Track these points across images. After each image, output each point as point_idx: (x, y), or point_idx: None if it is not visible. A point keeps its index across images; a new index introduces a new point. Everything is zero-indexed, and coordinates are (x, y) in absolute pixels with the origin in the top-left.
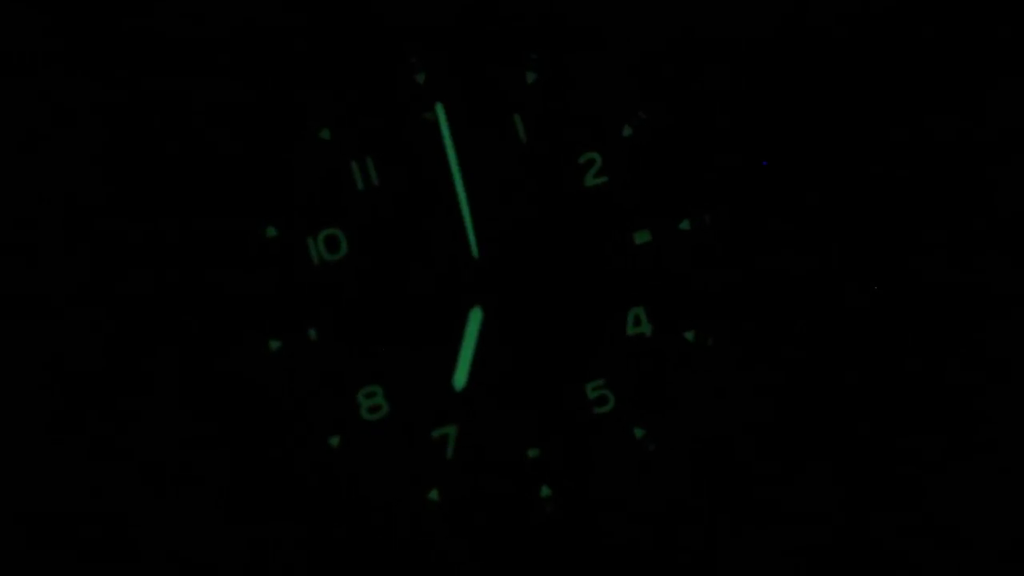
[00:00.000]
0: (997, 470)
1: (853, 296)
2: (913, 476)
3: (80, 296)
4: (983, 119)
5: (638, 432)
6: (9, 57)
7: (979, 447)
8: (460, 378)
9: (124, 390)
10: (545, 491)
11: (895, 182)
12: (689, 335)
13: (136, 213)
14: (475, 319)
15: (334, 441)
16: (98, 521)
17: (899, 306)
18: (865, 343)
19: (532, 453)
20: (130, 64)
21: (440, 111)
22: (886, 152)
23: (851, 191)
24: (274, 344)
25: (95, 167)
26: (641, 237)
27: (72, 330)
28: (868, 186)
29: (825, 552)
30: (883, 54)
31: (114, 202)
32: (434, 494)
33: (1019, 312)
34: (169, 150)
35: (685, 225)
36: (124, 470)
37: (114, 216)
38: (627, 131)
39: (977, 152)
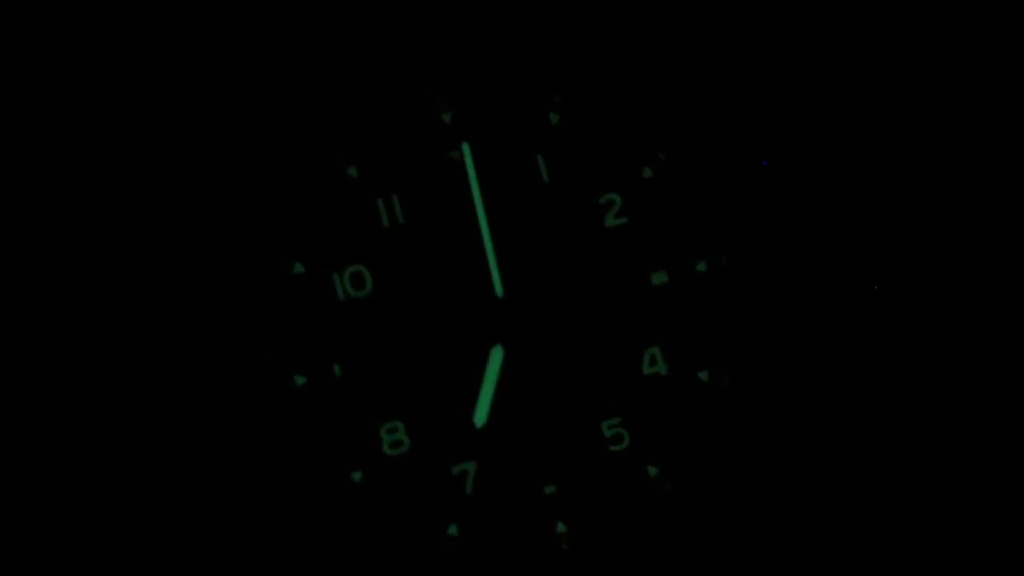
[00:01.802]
0: (1000, 480)
1: (869, 338)
2: (928, 513)
3: (105, 325)
4: (983, 119)
5: (652, 470)
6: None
7: (984, 458)
8: (480, 415)
9: (149, 423)
10: (561, 527)
11: (911, 219)
12: (703, 375)
13: (163, 248)
14: (496, 357)
15: (356, 475)
16: (120, 556)
17: (914, 346)
18: (882, 387)
19: (549, 490)
20: (164, 103)
21: (466, 150)
22: (904, 187)
23: (866, 232)
24: (299, 379)
25: (124, 199)
26: (658, 278)
27: (96, 356)
28: (885, 226)
29: None
30: (889, 76)
31: (142, 235)
32: (453, 529)
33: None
34: (197, 185)
35: (702, 267)
36: (148, 501)
37: (142, 250)
38: (647, 173)
39: (982, 154)
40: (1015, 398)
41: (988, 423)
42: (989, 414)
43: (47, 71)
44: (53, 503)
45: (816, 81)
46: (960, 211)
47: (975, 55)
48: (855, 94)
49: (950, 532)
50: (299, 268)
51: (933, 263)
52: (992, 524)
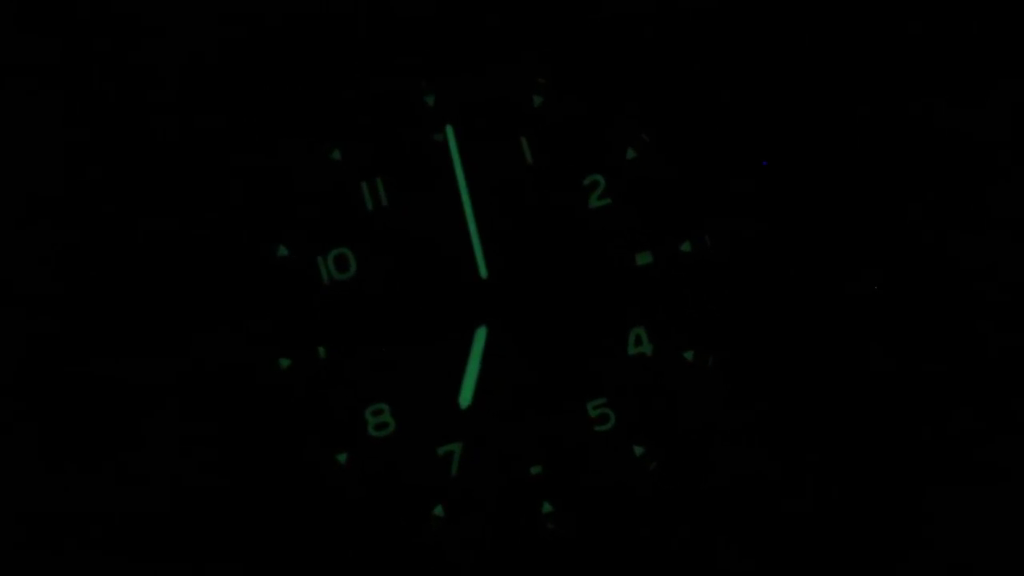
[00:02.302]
0: (1000, 477)
1: (854, 315)
2: (916, 488)
3: (89, 310)
4: (983, 119)
5: (638, 450)
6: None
7: (982, 458)
8: (466, 396)
9: (133, 407)
10: (547, 507)
11: (898, 200)
12: (688, 355)
13: (147, 232)
14: (481, 338)
15: (342, 457)
16: (102, 534)
17: (901, 325)
18: (866, 363)
19: (534, 470)
20: (141, 81)
21: (450, 133)
22: (892, 172)
23: (851, 211)
24: (284, 362)
25: (105, 185)
26: (643, 258)
27: (82, 342)
28: (869, 206)
29: (830, 567)
30: (887, 75)
31: (125, 220)
32: (439, 510)
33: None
34: (181, 169)
35: (686, 247)
36: (132, 485)
37: (125, 235)
38: (630, 154)
39: (980, 153)
40: (1012, 395)
41: (983, 420)
42: (984, 411)
43: (39, 69)
44: (39, 489)
45: (804, 61)
46: (958, 208)
47: (975, 55)
48: (843, 81)
49: (941, 526)
50: (283, 251)
51: (924, 253)
52: (991, 521)
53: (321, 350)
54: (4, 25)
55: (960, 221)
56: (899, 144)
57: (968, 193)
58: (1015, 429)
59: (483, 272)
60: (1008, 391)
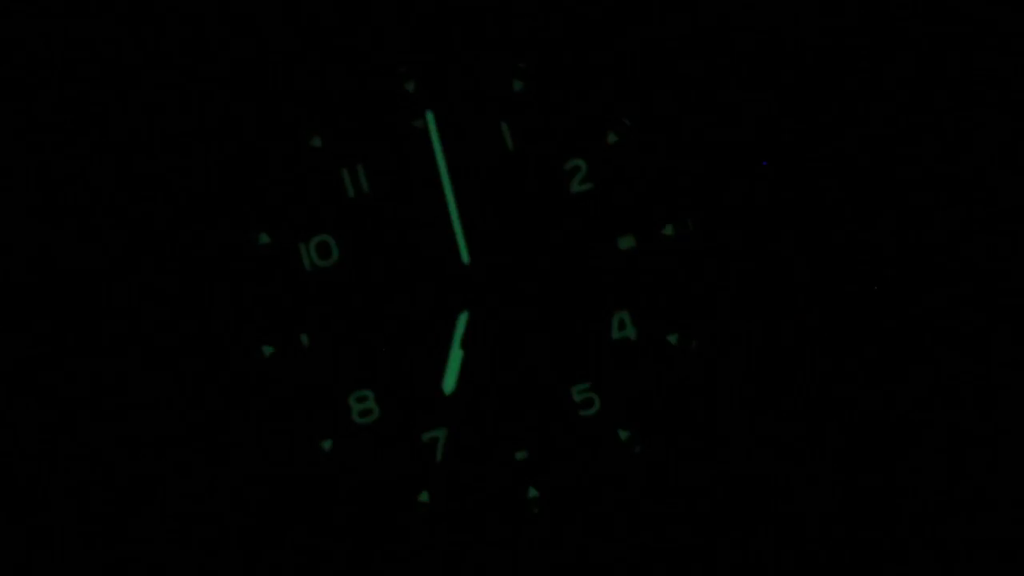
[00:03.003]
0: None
1: (839, 296)
2: (908, 472)
3: (71, 299)
4: (982, 120)
5: (623, 434)
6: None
7: (978, 448)
8: (449, 382)
9: (115, 393)
10: (532, 492)
11: (883, 181)
12: (672, 338)
13: (128, 219)
14: (464, 324)
15: (326, 444)
16: (87, 522)
17: (887, 305)
18: (852, 343)
19: (520, 455)
20: (121, 69)
21: (430, 119)
22: (873, 152)
23: (836, 193)
24: (267, 349)
25: (87, 171)
26: (625, 242)
27: (63, 331)
28: (855, 187)
29: (817, 551)
30: (872, 52)
31: (105, 208)
32: (424, 496)
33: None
34: (161, 156)
35: (669, 230)
36: (114, 472)
37: (105, 222)
38: (612, 138)
39: (976, 153)
40: (1012, 390)
41: (982, 414)
42: (982, 404)
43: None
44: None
45: (787, 46)
46: (957, 206)
47: (975, 55)
48: (827, 65)
49: (935, 517)
50: (264, 239)
51: (913, 247)
52: (992, 519)
53: (304, 337)
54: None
55: (958, 219)
56: (886, 134)
57: (967, 192)
58: (1016, 429)
59: (465, 258)
60: (1009, 391)
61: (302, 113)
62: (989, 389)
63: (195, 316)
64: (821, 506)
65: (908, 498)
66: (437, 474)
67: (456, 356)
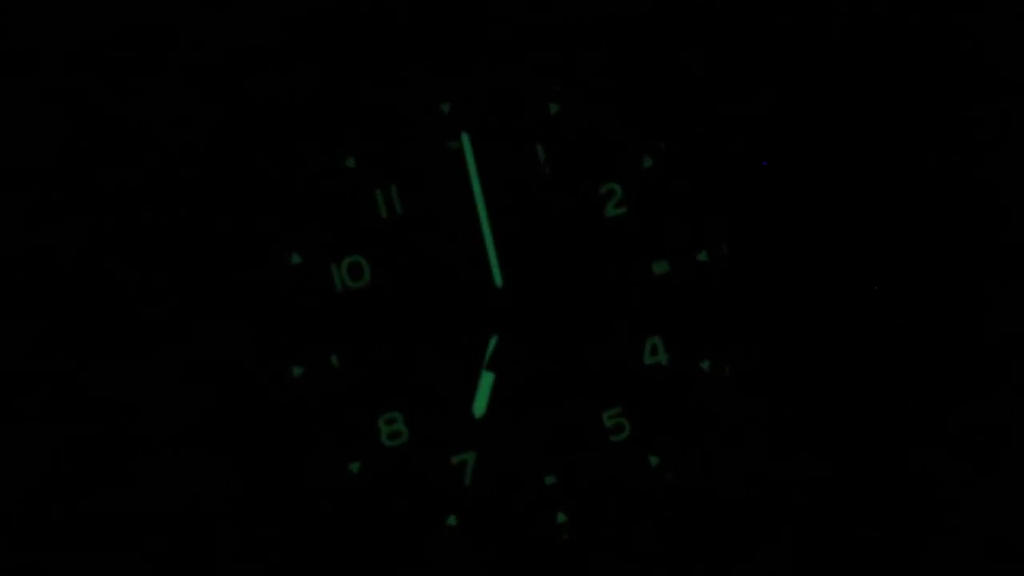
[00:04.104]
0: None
1: (871, 325)
2: (931, 499)
3: (102, 317)
4: (985, 121)
5: (653, 460)
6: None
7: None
8: (480, 405)
9: (145, 412)
10: (561, 517)
11: (916, 210)
12: (705, 364)
13: (161, 238)
14: (495, 347)
15: (354, 467)
16: (113, 545)
17: (916, 336)
18: (884, 373)
19: (549, 480)
20: (157, 86)
21: (465, 140)
22: (908, 180)
23: (869, 221)
24: (297, 370)
25: (123, 188)
26: (659, 267)
27: (93, 348)
28: (887, 216)
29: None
30: (902, 81)
31: (141, 229)
32: (452, 519)
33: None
34: (194, 177)
35: (703, 256)
36: (141, 493)
37: (138, 242)
38: (647, 162)
39: (981, 156)
40: (1015, 393)
41: (989, 419)
42: (990, 410)
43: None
44: (49, 497)
45: (822, 72)
46: (959, 209)
47: (975, 54)
48: (855, 85)
49: (953, 527)
50: (296, 259)
51: (934, 258)
52: (994, 520)
53: (334, 358)
54: (7, 23)
55: (968, 222)
56: (913, 156)
57: (972, 192)
58: (1016, 430)
59: (498, 280)
60: (1010, 391)
61: (336, 133)
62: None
63: (226, 336)
64: (852, 535)
65: (942, 533)
66: (465, 498)
67: (487, 379)
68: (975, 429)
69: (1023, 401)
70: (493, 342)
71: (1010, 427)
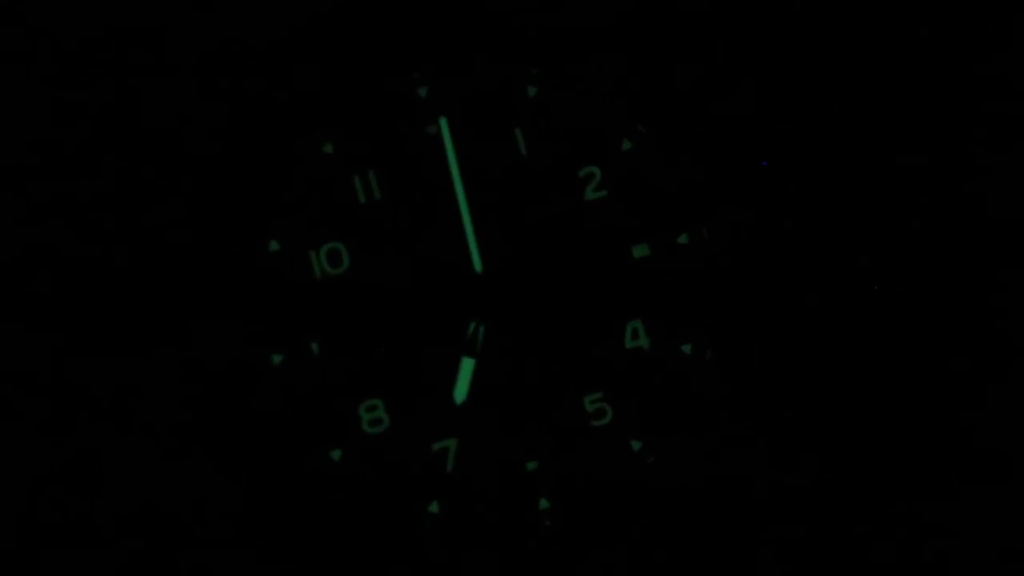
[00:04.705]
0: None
1: (853, 308)
2: (916, 485)
3: (80, 305)
4: (983, 119)
5: (635, 445)
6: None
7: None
8: (460, 392)
9: (122, 400)
10: (543, 503)
11: (894, 191)
12: (686, 348)
13: (137, 226)
14: (475, 332)
15: (336, 454)
16: (94, 533)
17: (900, 315)
18: (866, 354)
19: (531, 466)
20: (133, 74)
21: (443, 125)
22: (887, 164)
23: (850, 202)
24: (276, 358)
25: (93, 177)
26: (640, 251)
27: (72, 340)
28: (868, 197)
29: (825, 561)
30: (886, 65)
31: (115, 215)
32: (434, 506)
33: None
34: (171, 164)
35: (683, 239)
36: (123, 482)
37: (115, 228)
38: (627, 145)
39: (978, 154)
40: (1014, 392)
41: (990, 424)
42: (990, 415)
43: (26, 60)
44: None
45: (802, 51)
46: (959, 205)
47: (975, 54)
48: (848, 77)
49: (953, 527)
50: (275, 246)
51: (927, 251)
52: (995, 521)
53: (314, 346)
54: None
55: (960, 219)
56: (899, 140)
57: (970, 192)
58: (1016, 429)
59: (478, 266)
60: (1010, 392)
61: (313, 118)
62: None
63: (205, 323)
64: (835, 514)
65: (941, 534)
66: (448, 484)
67: (467, 365)
68: (975, 430)
69: (1023, 401)
70: (473, 328)
71: (1010, 427)
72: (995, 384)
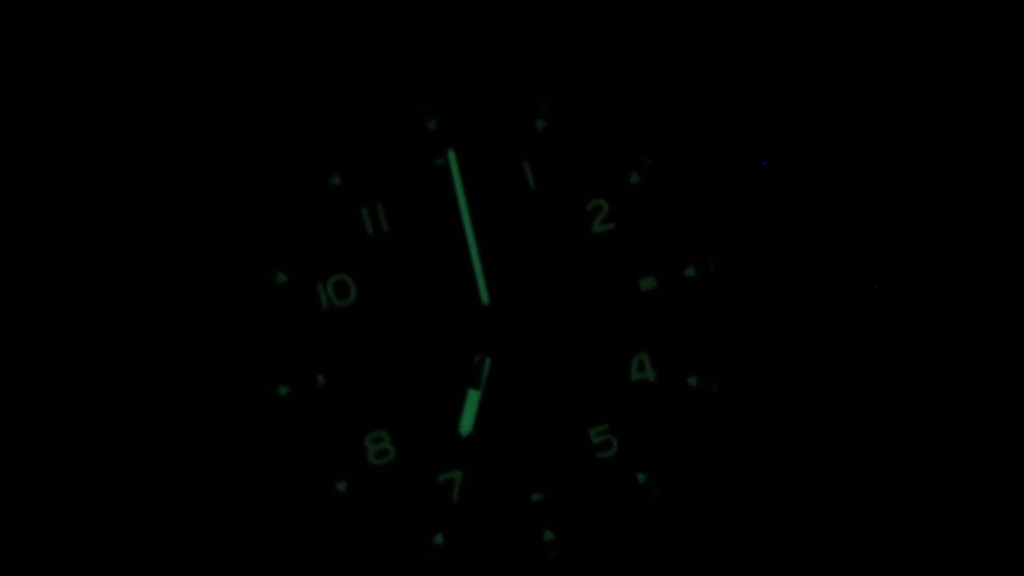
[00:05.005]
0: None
1: (860, 342)
2: (922, 522)
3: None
4: (983, 120)
5: (641, 477)
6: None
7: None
8: (466, 424)
9: (130, 431)
10: (548, 535)
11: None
12: (692, 381)
13: (145, 256)
14: (482, 365)
15: (341, 486)
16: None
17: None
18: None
19: (536, 498)
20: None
21: (451, 158)
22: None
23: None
24: (283, 389)
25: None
26: (646, 283)
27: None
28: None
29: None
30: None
31: (123, 245)
32: (439, 538)
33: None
34: (179, 193)
35: (691, 272)
36: (127, 512)
37: (123, 259)
38: (634, 178)
39: (979, 154)
40: (1014, 392)
41: (989, 425)
42: (990, 417)
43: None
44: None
45: (811, 84)
46: (959, 211)
47: (975, 54)
48: (851, 93)
49: (951, 536)
50: (282, 278)
51: (931, 266)
52: (996, 523)
53: (320, 377)
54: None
55: (960, 219)
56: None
57: (971, 193)
58: (1017, 429)
59: (484, 298)
60: (1011, 392)
61: (321, 150)
62: None
63: (211, 355)
64: (845, 550)
65: (940, 534)
66: (453, 516)
67: (473, 397)
68: (976, 430)
69: (1023, 401)
70: (479, 360)
71: (1011, 427)
72: (995, 384)
